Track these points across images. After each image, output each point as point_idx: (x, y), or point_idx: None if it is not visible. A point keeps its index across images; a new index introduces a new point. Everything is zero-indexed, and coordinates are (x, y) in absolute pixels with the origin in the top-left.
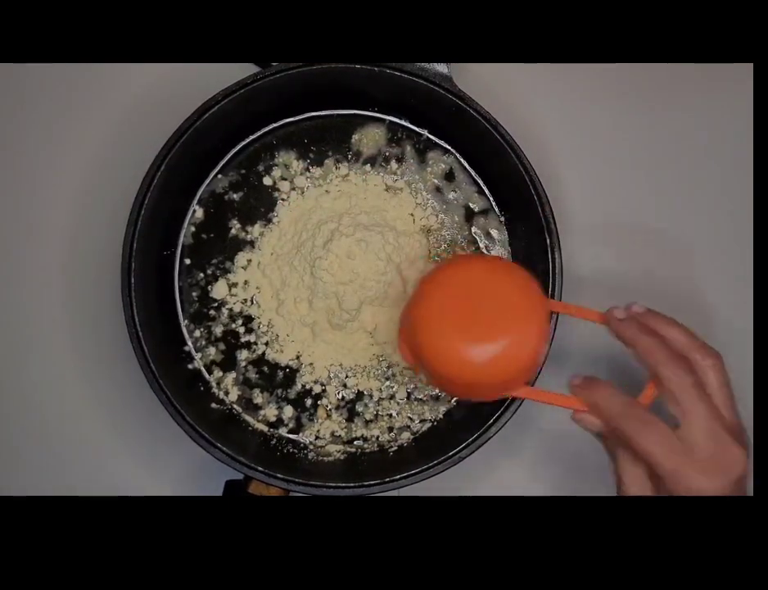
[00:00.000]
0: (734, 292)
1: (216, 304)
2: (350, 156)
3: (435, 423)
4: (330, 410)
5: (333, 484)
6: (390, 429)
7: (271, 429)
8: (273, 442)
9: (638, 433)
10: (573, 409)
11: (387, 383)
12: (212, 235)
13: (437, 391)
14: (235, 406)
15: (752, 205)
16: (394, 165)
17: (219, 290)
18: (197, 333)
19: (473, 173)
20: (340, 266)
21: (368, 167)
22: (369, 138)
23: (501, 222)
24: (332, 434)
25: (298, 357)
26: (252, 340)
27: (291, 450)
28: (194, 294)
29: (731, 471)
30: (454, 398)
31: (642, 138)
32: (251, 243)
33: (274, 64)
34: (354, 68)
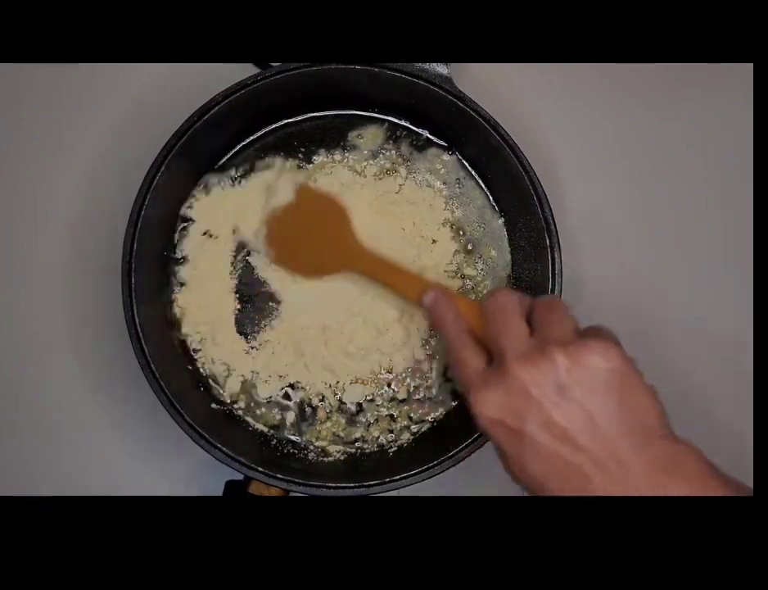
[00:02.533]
0: (734, 292)
1: None
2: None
3: (434, 423)
4: (330, 412)
5: (333, 484)
6: (391, 430)
7: (271, 430)
8: (274, 442)
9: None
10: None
11: (386, 387)
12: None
13: (436, 391)
14: (235, 406)
15: (752, 204)
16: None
17: None
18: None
19: (473, 173)
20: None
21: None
22: (368, 139)
23: (501, 222)
24: (333, 435)
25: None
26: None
27: (291, 450)
28: None
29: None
30: (453, 401)
31: (642, 137)
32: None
33: (274, 64)
34: (353, 69)
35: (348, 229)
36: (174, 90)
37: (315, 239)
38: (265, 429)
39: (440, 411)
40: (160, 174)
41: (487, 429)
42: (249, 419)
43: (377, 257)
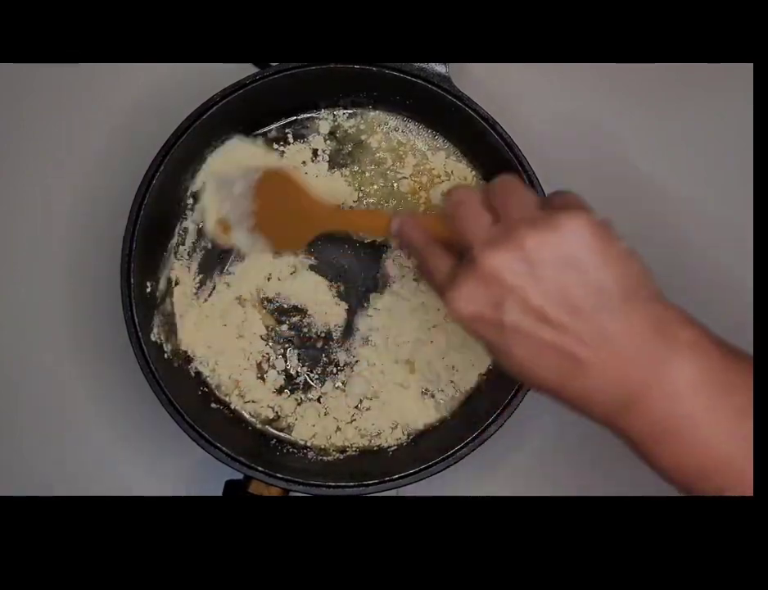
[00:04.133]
0: (734, 292)
1: None
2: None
3: (434, 423)
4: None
5: (333, 484)
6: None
7: (271, 429)
8: (274, 442)
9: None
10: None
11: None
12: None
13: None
14: (235, 406)
15: (752, 204)
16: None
17: None
18: None
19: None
20: None
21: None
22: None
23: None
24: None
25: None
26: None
27: (290, 450)
28: None
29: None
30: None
31: (641, 137)
32: None
33: (273, 64)
34: (352, 68)
35: (307, 195)
36: (173, 90)
37: (286, 214)
38: (265, 429)
39: (439, 411)
40: (158, 174)
41: (466, 325)
42: (249, 418)
43: (343, 210)
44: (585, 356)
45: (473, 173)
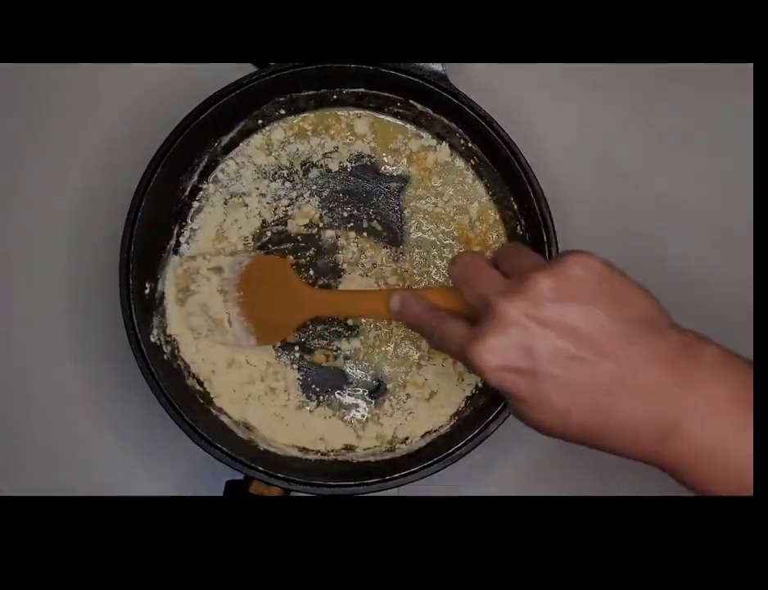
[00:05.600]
0: (734, 292)
1: None
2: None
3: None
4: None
5: (333, 484)
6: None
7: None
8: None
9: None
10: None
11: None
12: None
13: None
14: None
15: (752, 205)
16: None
17: None
18: None
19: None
20: None
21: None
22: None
23: (497, 219)
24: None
25: None
26: None
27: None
28: None
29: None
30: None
31: (640, 137)
32: None
33: (272, 64)
34: (349, 68)
35: (297, 281)
36: (173, 90)
37: (275, 302)
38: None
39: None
40: (157, 174)
41: (497, 381)
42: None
43: (334, 294)
44: (619, 389)
45: (471, 172)
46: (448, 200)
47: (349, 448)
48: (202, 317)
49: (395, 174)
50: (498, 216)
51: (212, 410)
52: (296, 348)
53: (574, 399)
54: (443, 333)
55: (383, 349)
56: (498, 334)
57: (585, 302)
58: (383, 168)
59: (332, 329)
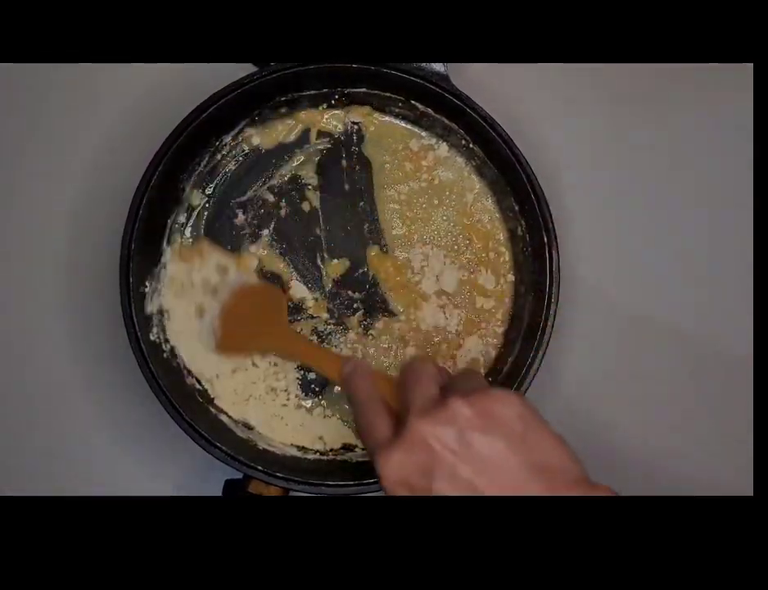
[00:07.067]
0: (734, 292)
1: None
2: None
3: None
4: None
5: (333, 482)
6: None
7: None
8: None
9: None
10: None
11: None
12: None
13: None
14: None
15: (752, 205)
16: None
17: None
18: None
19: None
20: None
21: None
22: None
23: (498, 218)
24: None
25: None
26: None
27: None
28: None
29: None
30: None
31: (640, 137)
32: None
33: (272, 64)
34: (351, 68)
35: (282, 314)
36: (172, 91)
37: (251, 323)
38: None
39: None
40: (157, 174)
41: (390, 488)
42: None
43: (303, 340)
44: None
45: (469, 169)
46: (448, 200)
47: (348, 448)
48: (198, 294)
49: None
50: (499, 216)
51: (212, 409)
52: None
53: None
54: (367, 425)
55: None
56: (403, 449)
57: (495, 440)
58: None
59: (330, 328)
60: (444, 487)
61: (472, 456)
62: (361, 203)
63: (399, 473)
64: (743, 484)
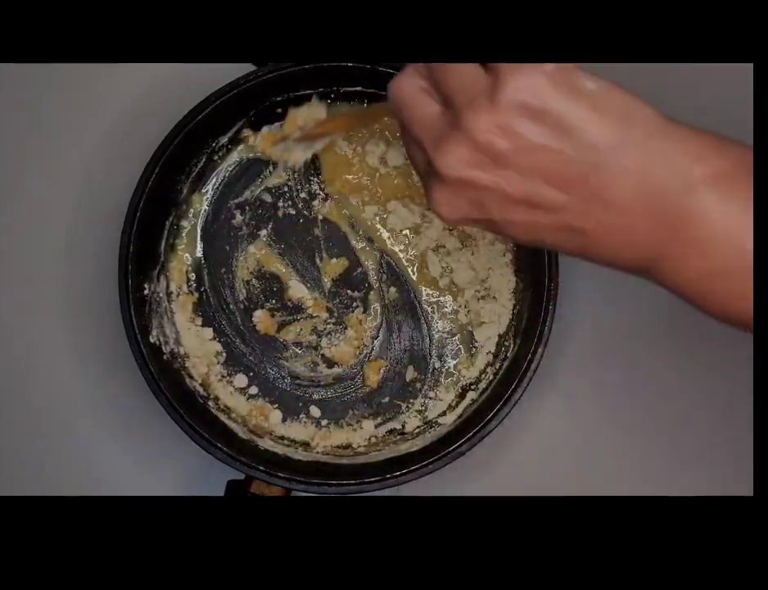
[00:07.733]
0: None
1: None
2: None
3: (433, 421)
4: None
5: (334, 482)
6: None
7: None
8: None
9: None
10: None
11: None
12: None
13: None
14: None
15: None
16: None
17: None
18: None
19: None
20: None
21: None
22: None
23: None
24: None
25: None
26: None
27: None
28: None
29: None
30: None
31: None
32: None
33: (270, 63)
34: (347, 67)
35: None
36: (172, 91)
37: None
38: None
39: (438, 409)
40: (155, 175)
41: (458, 226)
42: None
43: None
44: (590, 227)
45: None
46: None
47: (348, 447)
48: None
49: None
50: None
51: (212, 409)
52: None
53: (547, 236)
54: (410, 153)
55: None
56: (445, 193)
57: (534, 135)
58: None
59: (330, 327)
60: (504, 213)
61: (517, 169)
62: None
63: (458, 214)
64: (743, 484)
